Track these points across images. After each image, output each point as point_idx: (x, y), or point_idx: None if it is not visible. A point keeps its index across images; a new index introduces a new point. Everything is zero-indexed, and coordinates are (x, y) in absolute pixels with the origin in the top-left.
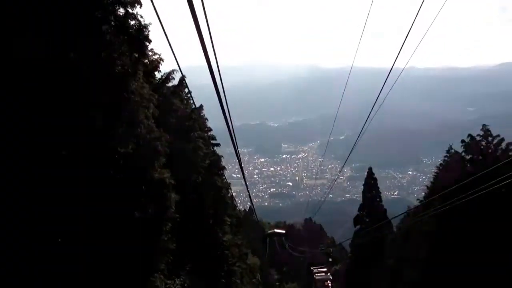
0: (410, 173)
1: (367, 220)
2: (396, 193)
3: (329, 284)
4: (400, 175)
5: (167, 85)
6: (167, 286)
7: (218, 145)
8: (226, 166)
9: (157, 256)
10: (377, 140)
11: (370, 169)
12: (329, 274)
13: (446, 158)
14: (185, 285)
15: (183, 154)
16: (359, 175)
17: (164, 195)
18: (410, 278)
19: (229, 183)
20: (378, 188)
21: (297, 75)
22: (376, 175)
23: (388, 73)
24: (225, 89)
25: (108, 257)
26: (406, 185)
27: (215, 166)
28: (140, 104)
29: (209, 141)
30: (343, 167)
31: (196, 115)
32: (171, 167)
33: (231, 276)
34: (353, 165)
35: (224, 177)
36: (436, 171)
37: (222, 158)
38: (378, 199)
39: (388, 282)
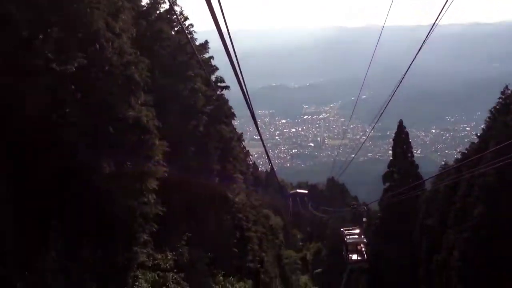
0: (434, 131)
1: (397, 177)
2: (419, 152)
3: (363, 248)
4: (423, 134)
5: (158, 12)
6: (156, 262)
7: (227, 88)
8: (247, 129)
9: (136, 224)
10: (399, 99)
11: (400, 122)
12: (362, 236)
13: (501, 100)
14: (185, 260)
15: (176, 95)
16: (381, 135)
17: (144, 141)
18: (459, 239)
19: (241, 133)
20: (410, 142)
21: (321, 37)
22: (394, 135)
23: (428, 32)
24: (247, 51)
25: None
26: (429, 144)
27: (221, 112)
28: (96, 7)
29: (216, 84)
30: (373, 127)
31: (194, 48)
32: (159, 109)
33: (246, 243)
34: (374, 125)
35: (233, 126)
36: (488, 116)
37: (228, 102)
38: (409, 155)
39: (428, 243)
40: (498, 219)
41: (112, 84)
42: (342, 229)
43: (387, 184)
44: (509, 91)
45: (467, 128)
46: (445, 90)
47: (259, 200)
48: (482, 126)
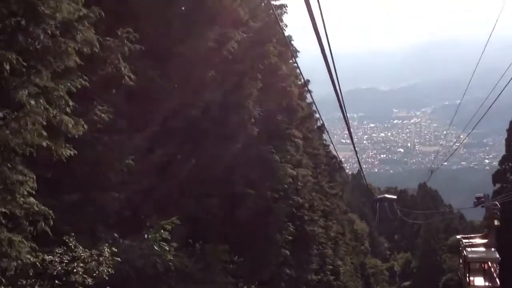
0: None
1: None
2: None
3: (494, 269)
4: None
5: None
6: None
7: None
8: (334, 132)
9: None
10: (496, 105)
11: None
12: (493, 249)
13: None
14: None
15: None
16: (477, 142)
17: None
18: None
19: (308, 80)
20: None
21: (414, 41)
22: (491, 143)
23: None
24: (335, 53)
25: None
26: None
27: (271, 32)
28: None
29: None
30: (469, 134)
31: None
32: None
33: (307, 242)
34: (470, 131)
35: (295, 57)
36: None
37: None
38: None
39: None
40: None
41: None
42: (459, 237)
43: (498, 186)
44: None
45: None
46: None
47: (335, 189)
48: None
